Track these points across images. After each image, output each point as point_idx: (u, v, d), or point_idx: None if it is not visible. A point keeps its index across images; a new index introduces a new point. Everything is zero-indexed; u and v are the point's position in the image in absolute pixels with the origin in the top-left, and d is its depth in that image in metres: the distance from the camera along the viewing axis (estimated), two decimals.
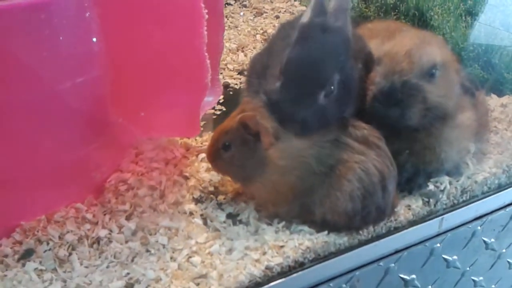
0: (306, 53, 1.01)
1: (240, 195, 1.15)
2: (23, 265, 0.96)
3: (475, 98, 1.14)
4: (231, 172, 1.08)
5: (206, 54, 1.01)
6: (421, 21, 1.67)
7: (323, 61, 1.00)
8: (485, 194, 1.21)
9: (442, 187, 1.14)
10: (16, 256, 0.97)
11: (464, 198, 1.18)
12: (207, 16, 0.99)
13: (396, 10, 1.76)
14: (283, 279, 0.97)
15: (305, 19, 1.04)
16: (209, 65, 1.02)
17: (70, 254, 0.99)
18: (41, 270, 0.96)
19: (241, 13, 2.21)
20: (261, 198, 1.08)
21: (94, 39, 0.94)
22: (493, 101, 1.49)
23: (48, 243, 1.00)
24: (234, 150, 1.04)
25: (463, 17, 1.59)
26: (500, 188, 1.24)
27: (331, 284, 1.02)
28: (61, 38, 0.90)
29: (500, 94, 1.51)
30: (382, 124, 1.06)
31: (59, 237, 1.02)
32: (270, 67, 1.10)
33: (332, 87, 0.99)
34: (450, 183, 1.16)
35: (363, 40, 1.16)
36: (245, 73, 1.49)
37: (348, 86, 1.03)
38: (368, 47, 1.14)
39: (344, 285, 1.04)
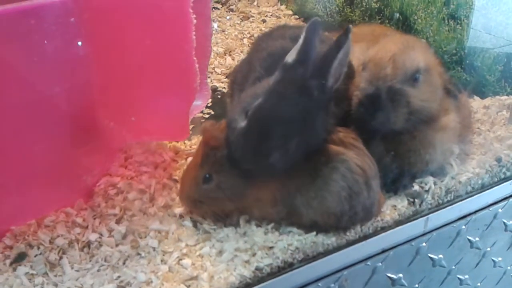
0: (274, 113, 0.96)
1: None
2: (14, 269, 0.97)
3: (458, 101, 1.17)
4: (223, 199, 1.05)
5: (195, 58, 1.02)
6: (405, 25, 1.70)
7: (287, 127, 0.96)
8: (469, 194, 1.24)
9: (426, 188, 1.17)
10: (8, 261, 0.98)
11: (448, 198, 1.20)
12: (195, 21, 1.00)
13: (381, 14, 1.79)
14: (272, 280, 0.99)
15: (289, 59, 0.99)
16: (197, 69, 1.04)
17: (60, 258, 1.00)
18: (32, 274, 0.96)
19: (228, 17, 2.22)
20: (256, 208, 1.07)
21: (83, 44, 0.95)
22: (476, 103, 1.52)
23: (38, 248, 1.01)
24: (217, 177, 1.03)
25: (446, 21, 1.62)
26: (484, 188, 1.26)
27: (320, 284, 1.04)
28: (50, 43, 0.91)
29: (482, 96, 1.55)
30: (368, 128, 1.08)
31: (50, 241, 1.02)
32: (247, 82, 1.09)
33: (291, 148, 0.96)
34: (435, 183, 1.18)
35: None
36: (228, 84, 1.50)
37: (313, 140, 1.00)
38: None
39: (332, 285, 1.06)
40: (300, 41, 0.99)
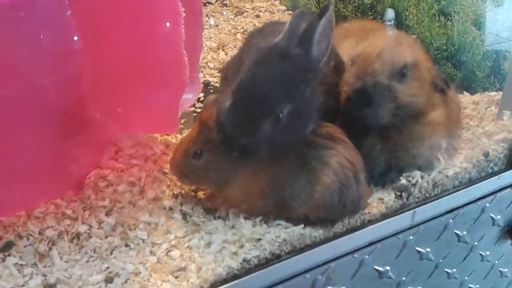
0: (257, 79, 0.98)
1: None
2: (3, 260, 0.97)
3: (446, 96, 1.18)
4: (207, 179, 1.07)
5: (184, 51, 1.03)
6: (396, 20, 1.70)
7: (272, 90, 0.97)
8: (456, 188, 1.25)
9: (414, 181, 1.17)
10: None
11: (435, 192, 1.21)
12: (184, 14, 1.00)
13: (373, 10, 1.80)
14: (260, 271, 0.99)
15: (277, 39, 1.01)
16: (187, 62, 1.04)
17: (50, 249, 1.00)
18: (21, 265, 0.97)
19: (224, 13, 2.23)
20: (237, 198, 1.08)
21: (72, 36, 0.95)
22: (466, 98, 1.53)
23: (28, 239, 1.02)
24: (207, 155, 1.04)
25: (437, 17, 1.63)
26: (471, 182, 1.28)
27: (307, 276, 1.05)
28: (39, 35, 0.91)
29: (472, 92, 1.56)
30: (356, 123, 1.09)
31: (39, 233, 1.03)
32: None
33: (281, 115, 0.96)
34: (422, 177, 1.19)
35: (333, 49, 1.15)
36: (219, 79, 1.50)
37: (303, 114, 1.01)
38: (336, 51, 1.15)
39: (320, 277, 1.07)
40: (286, 26, 1.01)
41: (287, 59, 0.98)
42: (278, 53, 0.99)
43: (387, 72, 1.07)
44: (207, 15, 2.17)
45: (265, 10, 2.26)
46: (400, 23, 1.68)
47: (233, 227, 1.06)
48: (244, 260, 0.99)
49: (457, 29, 1.59)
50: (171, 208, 1.12)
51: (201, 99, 1.53)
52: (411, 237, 1.18)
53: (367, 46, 1.11)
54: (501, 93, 1.49)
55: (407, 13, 1.67)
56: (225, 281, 0.97)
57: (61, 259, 0.99)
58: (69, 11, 0.93)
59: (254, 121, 0.96)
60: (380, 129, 1.11)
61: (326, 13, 0.98)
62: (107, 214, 1.09)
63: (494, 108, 1.46)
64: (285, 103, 0.97)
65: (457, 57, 1.59)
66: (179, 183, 1.18)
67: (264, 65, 0.99)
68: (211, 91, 1.62)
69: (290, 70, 0.98)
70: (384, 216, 1.13)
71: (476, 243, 1.34)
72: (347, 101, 1.08)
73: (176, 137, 1.35)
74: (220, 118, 0.98)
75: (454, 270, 1.33)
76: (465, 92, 1.55)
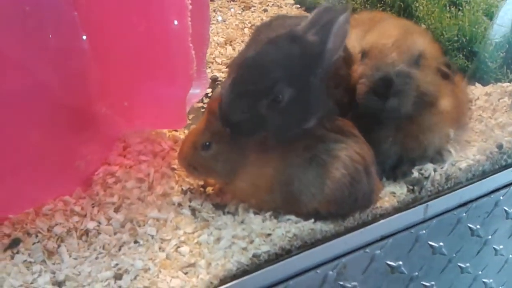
0: (260, 56, 0.97)
1: None
2: (12, 257, 0.97)
3: (453, 83, 1.16)
4: (215, 171, 1.06)
5: (191, 45, 1.02)
6: (406, 12, 1.68)
7: (273, 68, 0.95)
8: (470, 181, 1.23)
9: (426, 174, 1.16)
10: (3, 248, 0.98)
11: (448, 185, 1.19)
12: (190, 7, 0.99)
13: (382, 2, 1.77)
14: (270, 267, 0.98)
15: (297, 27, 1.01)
16: (194, 57, 1.03)
17: (58, 246, 1.00)
18: (30, 262, 0.97)
19: (231, 8, 2.21)
20: (245, 191, 1.07)
21: (78, 32, 0.95)
22: (478, 90, 1.50)
23: (36, 236, 1.02)
24: (216, 147, 1.03)
25: (448, 8, 1.61)
26: (485, 175, 1.25)
27: (318, 271, 1.04)
28: (45, 30, 0.91)
29: (484, 83, 1.53)
30: (375, 115, 1.06)
31: (48, 230, 1.03)
32: None
33: (280, 97, 0.95)
34: (435, 170, 1.17)
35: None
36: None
37: (307, 103, 0.99)
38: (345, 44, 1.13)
39: (331, 272, 1.05)
40: (310, 15, 1.01)
41: (298, 44, 0.97)
42: (290, 36, 0.98)
43: (406, 61, 1.05)
44: (214, 10, 2.16)
45: (273, 5, 2.24)
46: (410, 15, 1.66)
47: (242, 222, 1.05)
48: (254, 255, 0.98)
49: (468, 20, 1.56)
50: (180, 204, 1.11)
51: (209, 95, 1.52)
52: (424, 231, 1.17)
53: (379, 36, 1.09)
54: None
55: (417, 4, 1.65)
56: (235, 276, 0.96)
57: (70, 256, 0.98)
58: (73, 5, 0.92)
59: (250, 97, 0.95)
60: (391, 120, 1.09)
61: (345, 12, 0.98)
62: (116, 210, 1.08)
63: (507, 99, 1.44)
64: (286, 85, 0.95)
65: (469, 48, 1.56)
66: (187, 179, 1.17)
67: (272, 44, 0.98)
68: (219, 86, 1.61)
69: (297, 54, 0.96)
70: (396, 210, 1.12)
71: (489, 237, 1.32)
72: (368, 94, 1.05)
73: (184, 132, 1.34)
74: (222, 95, 0.97)
75: (468, 264, 1.32)
76: (477, 84, 1.52)
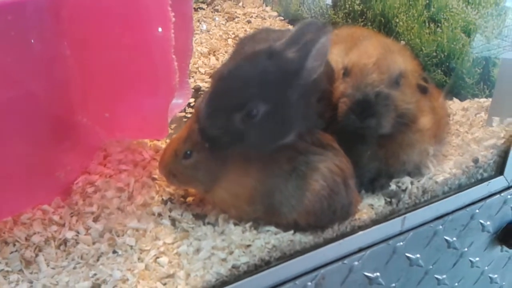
0: (235, 71, 0.98)
1: None
2: None
3: (432, 98, 1.18)
4: (196, 179, 1.07)
5: (174, 56, 1.02)
6: (386, 27, 1.71)
7: (247, 83, 0.96)
8: (446, 194, 1.25)
9: (403, 187, 1.18)
10: None
11: (425, 198, 1.21)
12: (174, 19, 1.00)
13: (363, 17, 1.81)
14: (249, 278, 0.99)
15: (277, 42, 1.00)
16: (176, 68, 1.04)
17: (36, 255, 0.99)
18: (7, 271, 0.96)
19: (215, 18, 2.23)
20: (225, 201, 1.08)
21: (60, 42, 0.95)
22: (455, 105, 1.53)
23: (14, 245, 1.01)
24: (197, 156, 1.04)
25: (427, 24, 1.64)
26: (461, 188, 1.28)
27: (297, 282, 1.04)
28: (27, 40, 0.90)
29: (461, 98, 1.57)
30: (356, 134, 1.08)
31: (26, 239, 1.02)
32: None
33: (254, 111, 0.95)
34: (412, 183, 1.19)
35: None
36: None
37: (284, 118, 0.99)
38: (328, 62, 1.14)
39: (309, 283, 1.06)
40: (291, 31, 1.00)
41: (275, 60, 0.97)
42: (269, 52, 0.98)
43: (386, 81, 1.07)
44: (198, 20, 2.17)
45: (257, 16, 2.27)
46: (390, 30, 1.69)
47: (222, 233, 1.06)
48: (234, 266, 0.98)
49: (446, 36, 1.59)
50: (159, 214, 1.11)
51: (191, 104, 1.53)
52: (401, 243, 1.18)
53: (361, 55, 1.10)
54: (490, 99, 1.49)
55: (397, 20, 1.68)
56: None
57: (48, 265, 0.98)
58: (56, 16, 0.92)
59: (225, 112, 0.95)
60: (372, 138, 1.11)
61: (327, 32, 0.98)
62: (95, 220, 1.08)
63: (484, 114, 1.47)
64: (260, 100, 0.95)
65: (447, 64, 1.60)
66: (168, 189, 1.17)
67: (248, 60, 0.99)
68: (202, 96, 1.62)
69: (273, 70, 0.97)
70: (374, 222, 1.13)
71: (465, 249, 1.34)
72: (348, 113, 1.06)
73: (165, 142, 1.34)
74: (199, 109, 0.98)
75: (444, 276, 1.33)
76: (454, 99, 1.55)
